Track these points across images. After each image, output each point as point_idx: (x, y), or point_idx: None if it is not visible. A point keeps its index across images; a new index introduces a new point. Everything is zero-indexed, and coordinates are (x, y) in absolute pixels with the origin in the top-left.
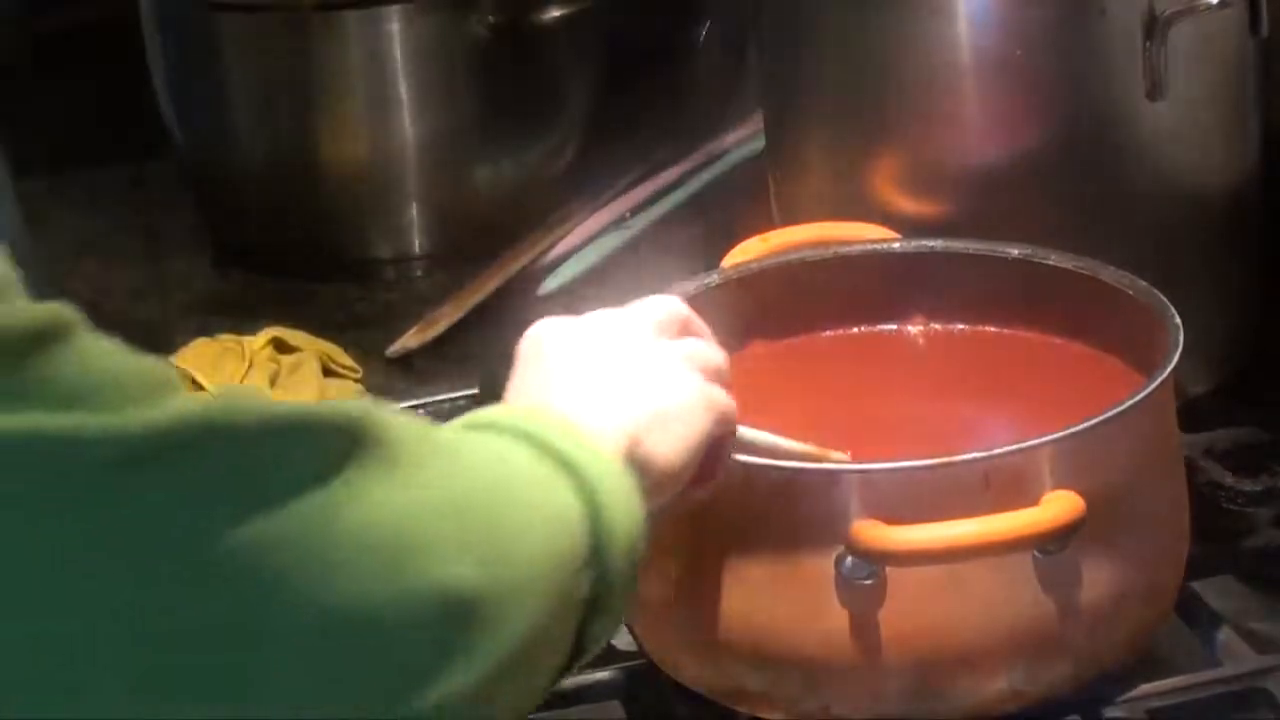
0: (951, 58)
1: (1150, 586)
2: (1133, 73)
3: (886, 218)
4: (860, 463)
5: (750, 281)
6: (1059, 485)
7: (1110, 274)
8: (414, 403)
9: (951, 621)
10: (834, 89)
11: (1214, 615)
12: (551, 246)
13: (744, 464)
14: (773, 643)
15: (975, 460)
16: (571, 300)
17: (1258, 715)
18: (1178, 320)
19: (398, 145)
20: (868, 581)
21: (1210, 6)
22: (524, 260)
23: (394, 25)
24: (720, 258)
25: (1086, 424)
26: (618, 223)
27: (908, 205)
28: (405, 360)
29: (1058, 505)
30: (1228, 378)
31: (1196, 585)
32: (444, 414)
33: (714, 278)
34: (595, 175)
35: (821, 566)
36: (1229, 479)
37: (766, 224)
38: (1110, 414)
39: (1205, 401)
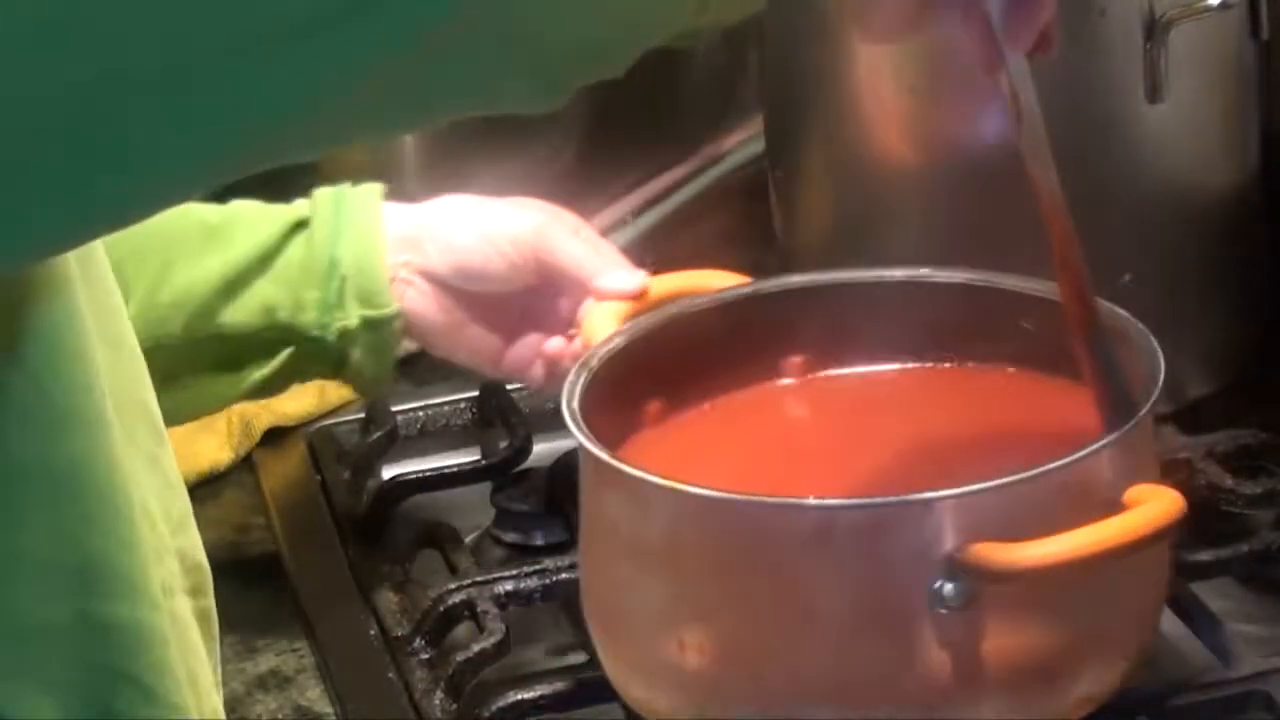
0: (951, 59)
1: (1159, 583)
2: (1132, 75)
3: (886, 217)
4: (951, 488)
5: (656, 339)
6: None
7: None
8: (414, 405)
9: (1044, 636)
10: (834, 89)
11: (1214, 616)
12: None
13: (820, 507)
14: (862, 689)
15: (1054, 470)
16: None
17: (1257, 717)
18: (1157, 350)
19: (396, 146)
20: (961, 610)
21: (1210, 9)
22: None
23: None
24: (721, 258)
25: (1133, 421)
26: (618, 224)
27: (908, 205)
28: (406, 361)
29: (1159, 497)
30: (1229, 380)
31: (1196, 586)
32: (444, 416)
33: (617, 341)
34: (595, 177)
35: (913, 602)
36: (1229, 481)
37: (767, 224)
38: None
39: (1206, 404)
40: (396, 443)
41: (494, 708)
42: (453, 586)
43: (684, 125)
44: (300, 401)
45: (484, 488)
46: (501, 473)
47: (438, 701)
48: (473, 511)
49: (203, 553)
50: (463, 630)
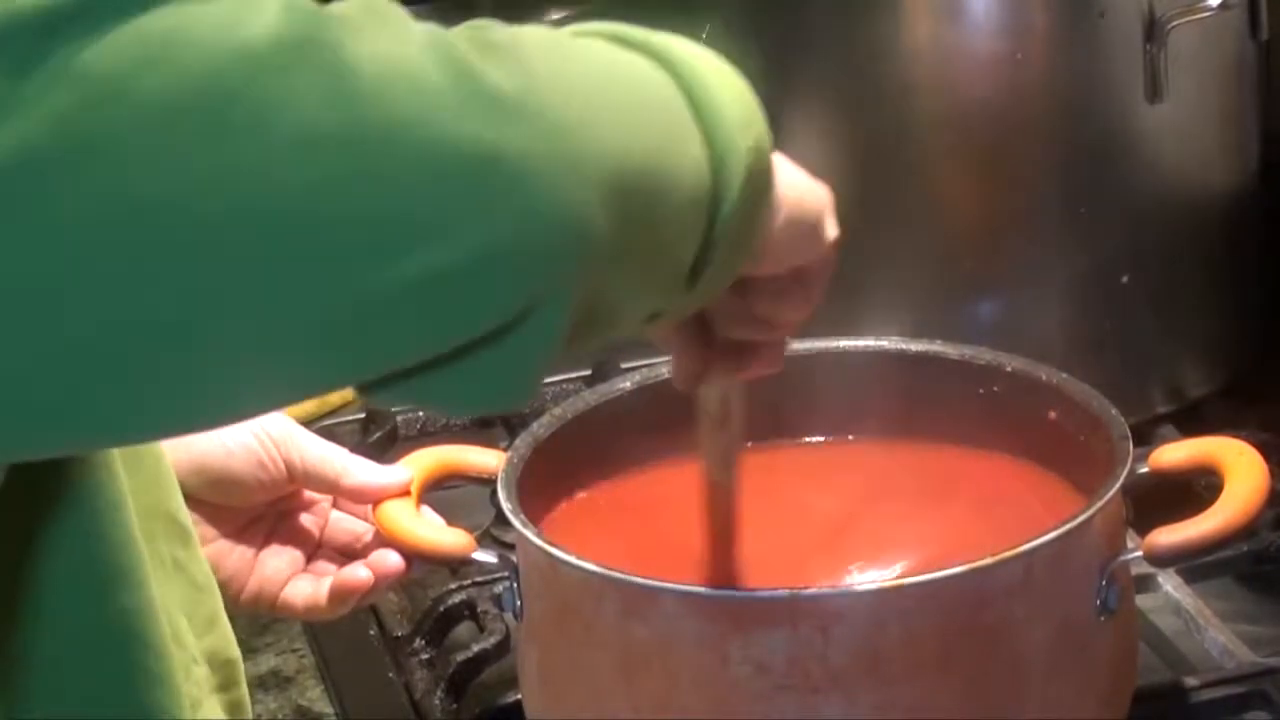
0: (952, 59)
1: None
2: (1132, 75)
3: (886, 217)
4: (1098, 496)
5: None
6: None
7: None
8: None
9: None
10: (834, 90)
11: (1214, 616)
12: None
13: (977, 568)
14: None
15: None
16: None
17: (1257, 717)
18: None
19: None
20: (1115, 610)
21: (1210, 9)
22: None
23: None
24: None
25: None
26: None
27: (908, 205)
28: None
29: (1244, 454)
30: (1229, 380)
31: (1196, 586)
32: (443, 417)
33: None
34: None
35: (1085, 613)
36: None
37: None
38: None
39: (1206, 404)
40: (396, 443)
41: (494, 707)
42: (453, 586)
43: None
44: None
45: (484, 488)
46: None
47: (438, 701)
48: (473, 511)
49: (234, 644)
50: (463, 630)
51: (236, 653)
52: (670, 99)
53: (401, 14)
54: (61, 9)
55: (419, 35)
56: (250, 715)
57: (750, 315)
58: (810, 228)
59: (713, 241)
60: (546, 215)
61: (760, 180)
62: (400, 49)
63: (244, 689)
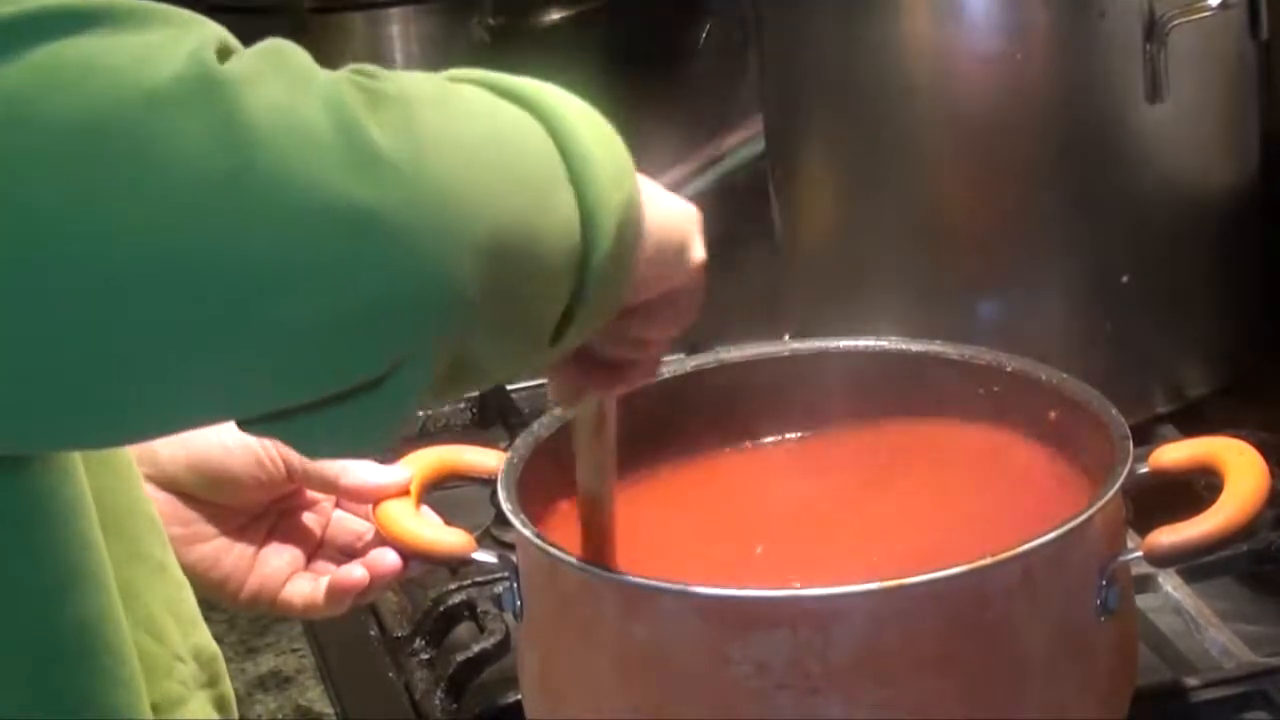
0: (952, 59)
1: None
2: (1133, 75)
3: (887, 217)
4: (1098, 496)
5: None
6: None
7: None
8: None
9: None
10: (834, 90)
11: (1214, 616)
12: None
13: (977, 568)
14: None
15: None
16: None
17: (1257, 716)
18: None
19: None
20: (1115, 610)
21: (1210, 9)
22: None
23: (394, 28)
24: (722, 260)
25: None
26: None
27: (908, 204)
28: None
29: (1244, 454)
30: (1229, 380)
31: (1196, 586)
32: (444, 416)
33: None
34: None
35: (1085, 613)
36: None
37: (767, 224)
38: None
39: (1206, 404)
40: (396, 442)
41: (494, 707)
42: (453, 586)
43: (684, 125)
44: None
45: (484, 488)
46: None
47: (438, 701)
48: (473, 511)
49: (213, 641)
50: (463, 630)
51: (217, 648)
52: (545, 155)
53: (303, 62)
54: None
55: (316, 87)
56: (235, 712)
57: (624, 336)
58: (676, 253)
59: (582, 294)
60: (418, 275)
61: (629, 230)
62: (294, 100)
63: (228, 684)
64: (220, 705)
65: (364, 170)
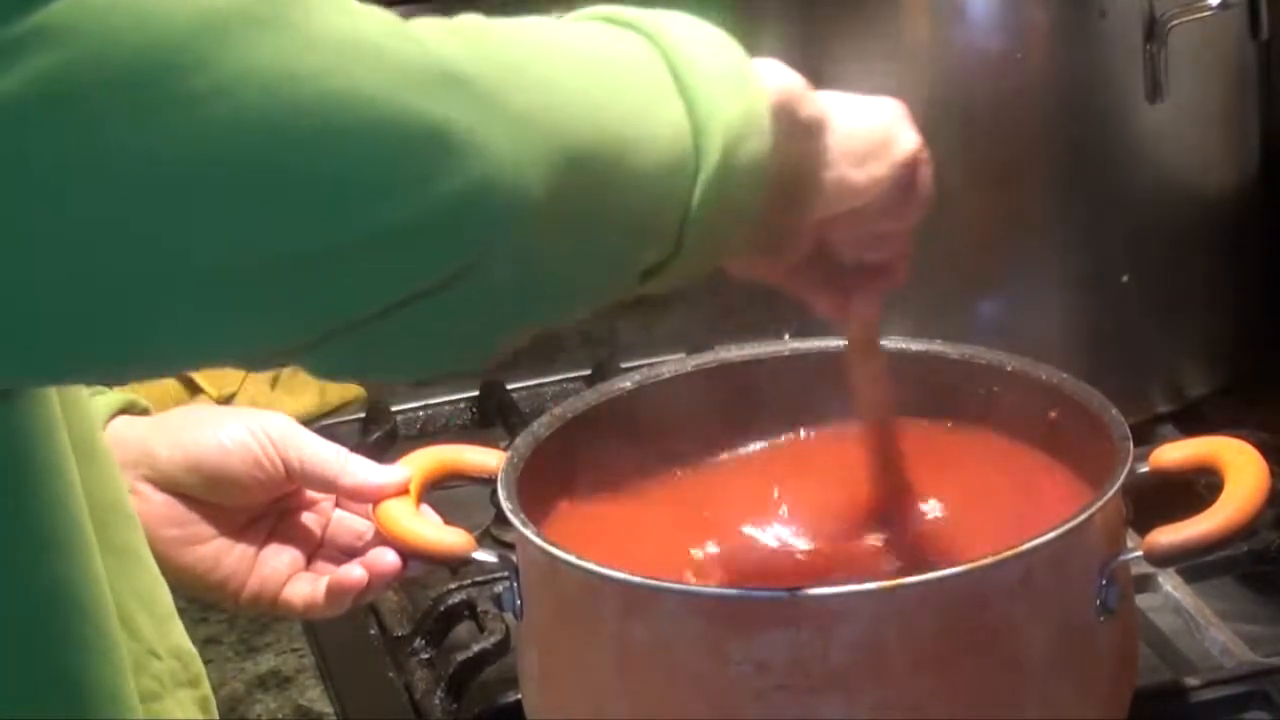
0: (952, 59)
1: None
2: (1133, 75)
3: None
4: (1098, 496)
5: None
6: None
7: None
8: (414, 405)
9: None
10: (833, 90)
11: (1214, 616)
12: None
13: (977, 568)
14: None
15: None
16: None
17: (1257, 716)
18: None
19: None
20: (1115, 610)
21: (1210, 9)
22: None
23: None
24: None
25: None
26: None
27: None
28: None
29: (1243, 454)
30: (1229, 380)
31: (1196, 586)
32: (444, 416)
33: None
34: None
35: (1085, 613)
36: None
37: None
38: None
39: (1206, 404)
40: (396, 442)
41: (494, 707)
42: (453, 586)
43: None
44: (301, 401)
45: (484, 488)
46: None
47: (438, 701)
48: (473, 511)
49: (190, 641)
50: (463, 630)
51: (194, 649)
52: (649, 70)
53: None
54: None
55: (380, 13)
56: (216, 714)
57: (870, 236)
58: (875, 150)
59: (704, 201)
60: (486, 186)
61: (752, 144)
62: (363, 23)
63: (208, 687)
64: (203, 707)
65: (436, 86)
